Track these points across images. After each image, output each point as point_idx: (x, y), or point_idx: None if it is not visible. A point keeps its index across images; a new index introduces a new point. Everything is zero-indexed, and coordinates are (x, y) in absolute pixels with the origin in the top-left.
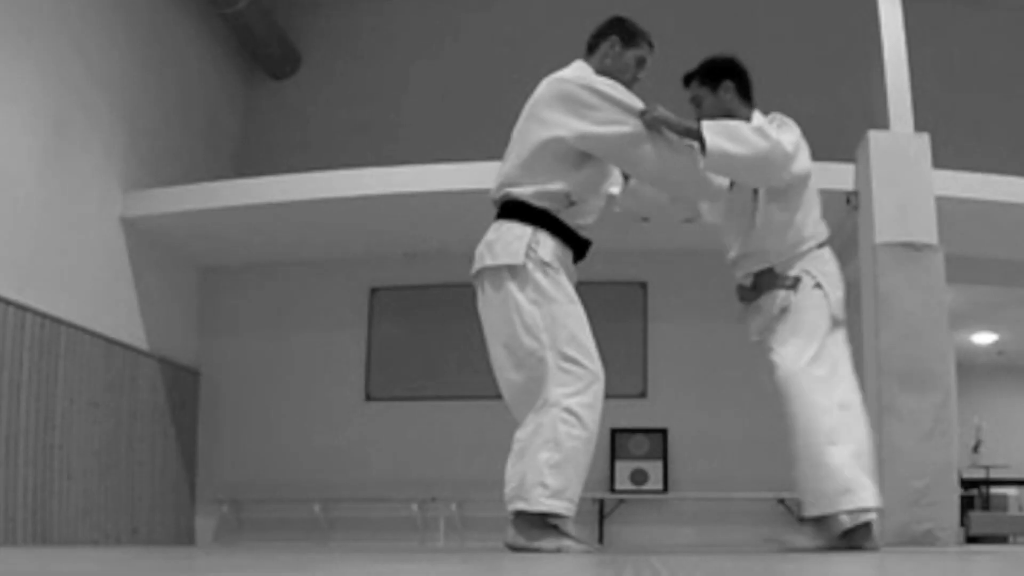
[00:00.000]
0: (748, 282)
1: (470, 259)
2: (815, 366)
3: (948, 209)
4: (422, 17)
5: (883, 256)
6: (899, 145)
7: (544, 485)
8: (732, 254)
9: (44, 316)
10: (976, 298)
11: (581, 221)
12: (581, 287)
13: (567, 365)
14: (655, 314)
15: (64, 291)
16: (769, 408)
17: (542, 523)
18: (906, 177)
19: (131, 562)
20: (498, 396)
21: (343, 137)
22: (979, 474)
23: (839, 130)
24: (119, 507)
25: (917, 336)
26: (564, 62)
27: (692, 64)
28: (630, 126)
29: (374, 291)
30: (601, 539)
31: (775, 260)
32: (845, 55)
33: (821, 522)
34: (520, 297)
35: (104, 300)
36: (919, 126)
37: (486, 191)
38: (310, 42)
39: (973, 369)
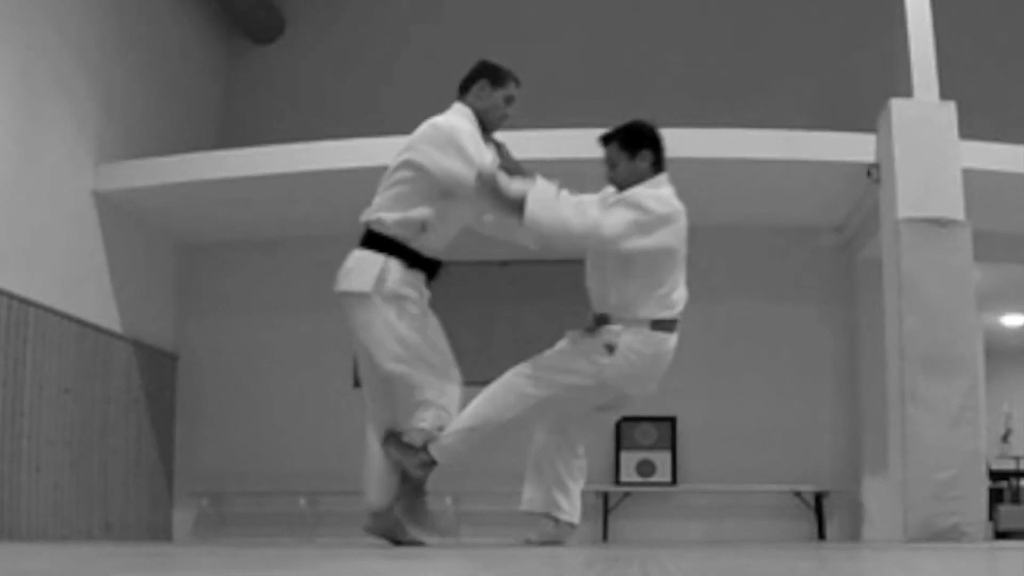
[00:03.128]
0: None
1: (464, 235)
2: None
3: (976, 182)
4: None
5: (906, 233)
6: (923, 114)
7: None
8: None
9: (11, 296)
10: (1005, 277)
11: (431, 245)
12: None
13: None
14: None
15: (32, 270)
16: (785, 395)
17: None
18: (931, 148)
19: (104, 559)
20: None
21: (331, 106)
22: (1009, 465)
23: (859, 99)
24: (91, 500)
25: (942, 318)
26: (561, 26)
27: (712, 35)
28: (470, 179)
29: None
30: (606, 535)
31: (610, 311)
32: (866, 18)
33: None
34: (371, 319)
35: (75, 279)
36: (945, 94)
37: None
38: (295, 4)
39: (1002, 353)
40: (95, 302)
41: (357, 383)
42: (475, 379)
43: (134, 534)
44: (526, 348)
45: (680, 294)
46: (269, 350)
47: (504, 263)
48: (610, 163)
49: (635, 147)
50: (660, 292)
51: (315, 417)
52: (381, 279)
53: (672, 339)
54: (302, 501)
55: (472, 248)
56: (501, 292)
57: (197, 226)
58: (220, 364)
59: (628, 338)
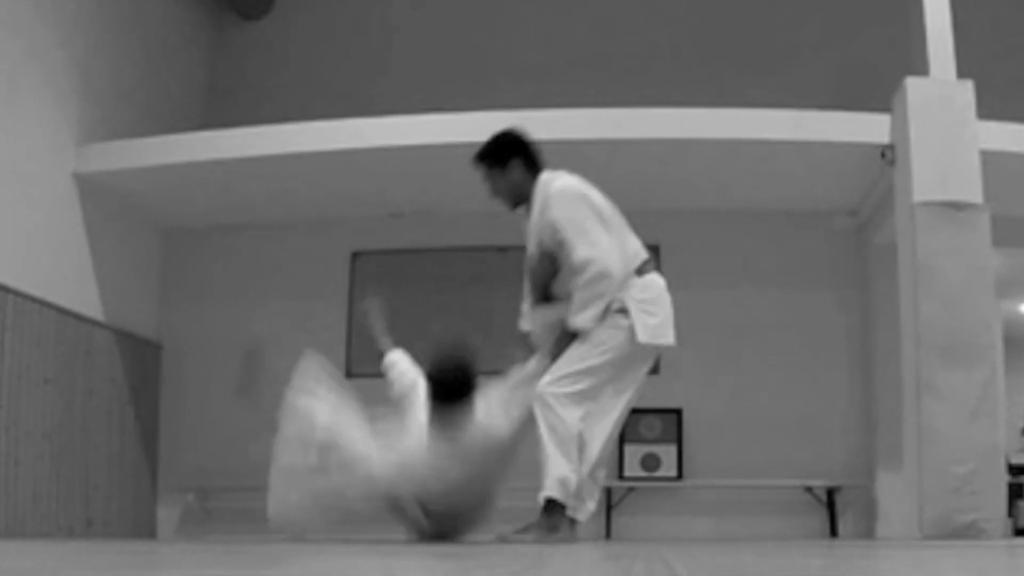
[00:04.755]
0: None
1: (462, 219)
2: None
3: (994, 164)
4: None
5: (922, 217)
6: (940, 93)
7: None
8: None
9: None
10: None
11: None
12: None
13: None
14: (669, 280)
15: (10, 255)
16: (796, 386)
17: None
18: (948, 129)
19: (86, 557)
20: (493, 373)
21: (322, 84)
22: None
23: (873, 77)
24: (72, 496)
25: (960, 306)
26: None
27: (721, 10)
28: None
29: (356, 255)
30: (609, 531)
31: None
32: None
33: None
34: None
35: (55, 265)
36: (962, 72)
37: (480, 144)
38: None
39: (1022, 342)
40: (76, 289)
41: (349, 373)
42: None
43: (117, 531)
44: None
45: (634, 241)
46: (258, 338)
47: (502, 248)
48: (488, 182)
49: (503, 161)
50: (625, 248)
51: None
52: None
53: (657, 275)
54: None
55: (471, 233)
56: (501, 278)
57: (183, 210)
58: (206, 354)
59: (631, 293)
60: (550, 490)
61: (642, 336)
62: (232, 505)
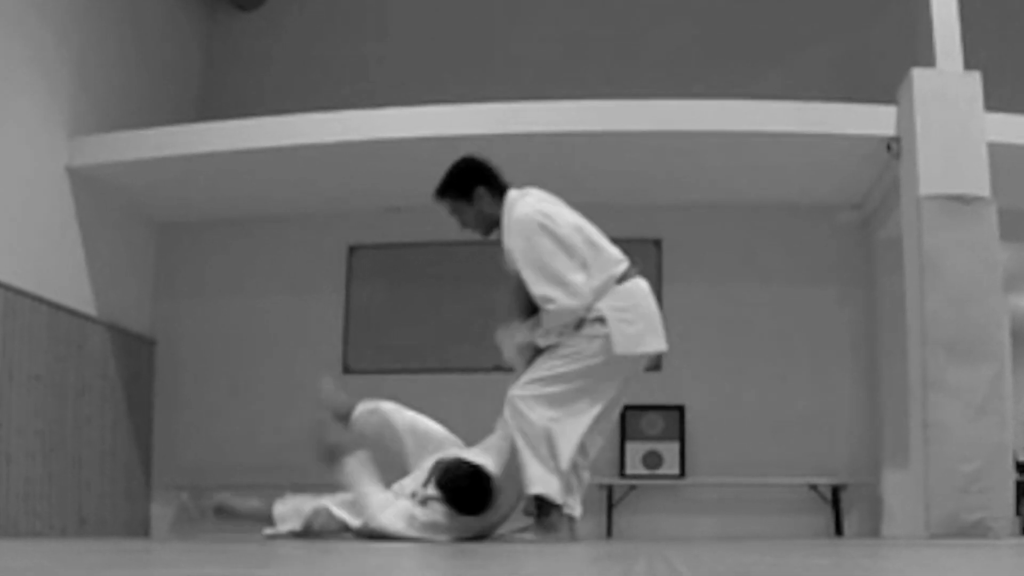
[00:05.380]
0: None
1: None
2: None
3: (1002, 157)
4: None
5: (928, 210)
6: (946, 85)
7: None
8: None
9: None
10: None
11: None
12: None
13: None
14: (671, 275)
15: (2, 250)
16: (800, 382)
17: None
18: (954, 121)
19: (80, 556)
20: (492, 369)
21: (318, 76)
22: None
23: (879, 68)
24: (65, 494)
25: (967, 301)
26: None
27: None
28: None
29: (353, 250)
30: (610, 530)
31: None
32: None
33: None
34: None
35: (47, 260)
36: (969, 63)
37: (480, 136)
38: None
39: None
40: (68, 284)
41: (347, 369)
42: (476, 366)
43: (110, 529)
44: None
45: (612, 249)
46: (253, 335)
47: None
48: (456, 215)
49: (466, 191)
50: (601, 259)
51: (301, 405)
52: None
53: (640, 280)
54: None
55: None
56: (500, 272)
57: (177, 203)
58: (201, 349)
59: (609, 302)
60: (534, 487)
61: (619, 347)
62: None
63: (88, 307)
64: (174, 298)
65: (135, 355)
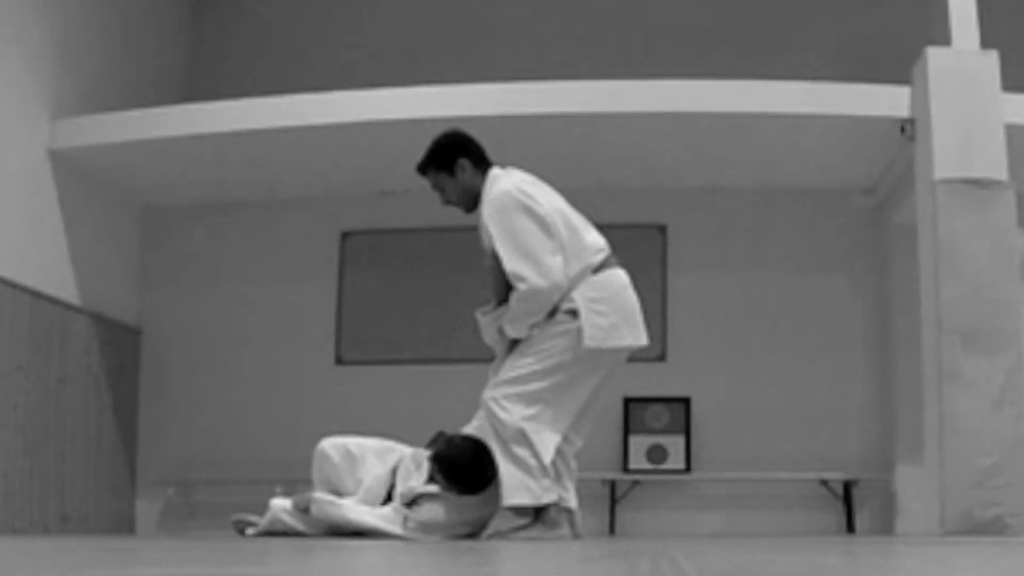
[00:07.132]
0: None
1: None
2: None
3: (1020, 139)
4: None
5: (944, 195)
6: (962, 64)
7: None
8: None
9: None
10: None
11: None
12: None
13: None
14: (676, 262)
15: None
16: (811, 373)
17: None
18: (970, 102)
19: (60, 554)
20: (487, 360)
21: (307, 56)
22: None
23: (893, 47)
24: (47, 490)
25: (983, 288)
26: None
27: None
28: None
29: (345, 236)
30: (613, 527)
31: None
32: None
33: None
34: None
35: (29, 246)
36: (986, 42)
37: (475, 118)
38: None
39: None
40: (50, 271)
41: (339, 360)
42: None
43: (94, 526)
44: None
45: (593, 237)
46: (242, 324)
47: None
48: (439, 191)
49: (449, 164)
50: (579, 246)
51: (293, 398)
52: None
53: (619, 271)
54: (278, 490)
55: (463, 212)
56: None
57: (163, 187)
58: (188, 339)
59: (583, 292)
60: (510, 498)
61: (589, 340)
62: (215, 499)
63: (71, 295)
64: (160, 286)
65: (120, 345)
